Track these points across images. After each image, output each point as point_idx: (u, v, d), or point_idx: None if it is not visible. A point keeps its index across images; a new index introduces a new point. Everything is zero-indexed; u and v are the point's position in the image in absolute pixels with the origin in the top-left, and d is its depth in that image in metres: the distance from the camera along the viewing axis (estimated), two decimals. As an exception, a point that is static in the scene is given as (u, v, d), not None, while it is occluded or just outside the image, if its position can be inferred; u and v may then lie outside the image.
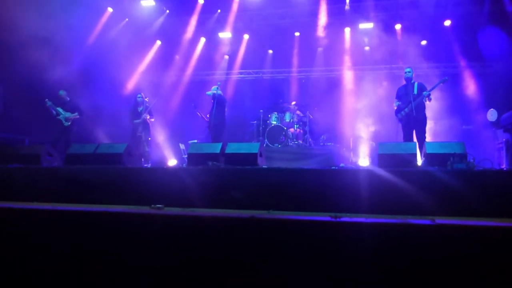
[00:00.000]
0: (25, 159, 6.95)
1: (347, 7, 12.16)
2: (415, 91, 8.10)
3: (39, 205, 4.48)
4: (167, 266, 3.50)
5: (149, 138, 10.12)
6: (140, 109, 9.94)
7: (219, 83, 9.88)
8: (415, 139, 8.03)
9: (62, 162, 7.41)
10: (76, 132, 9.69)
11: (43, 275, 3.77)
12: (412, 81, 8.30)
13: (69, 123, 9.46)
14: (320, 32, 12.61)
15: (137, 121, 9.85)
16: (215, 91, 9.80)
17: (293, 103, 12.36)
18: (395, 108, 8.39)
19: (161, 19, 12.95)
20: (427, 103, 8.12)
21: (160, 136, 11.94)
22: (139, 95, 10.09)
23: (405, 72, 8.40)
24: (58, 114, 9.40)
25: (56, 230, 3.87)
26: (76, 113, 9.56)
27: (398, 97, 8.39)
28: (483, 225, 3.03)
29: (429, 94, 7.97)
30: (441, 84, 8.21)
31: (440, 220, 3.17)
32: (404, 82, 8.48)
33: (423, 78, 11.42)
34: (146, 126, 9.97)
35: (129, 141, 8.56)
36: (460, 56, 12.08)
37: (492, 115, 10.19)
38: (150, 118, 10.05)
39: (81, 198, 5.15)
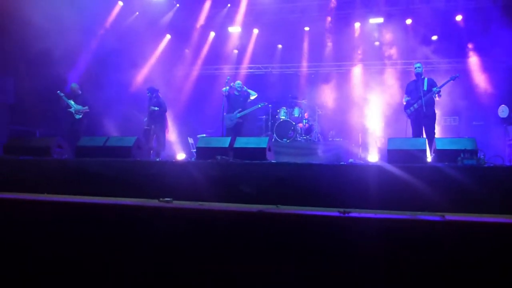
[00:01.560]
0: (35, 151, 7.02)
1: None
2: (425, 87, 8.02)
3: (49, 197, 4.51)
4: (175, 259, 3.51)
5: (166, 131, 10.11)
6: (150, 104, 9.99)
7: (228, 77, 9.85)
8: (424, 135, 7.97)
9: (72, 154, 7.46)
10: (87, 125, 9.74)
11: (50, 266, 3.81)
12: (422, 77, 8.22)
13: (80, 116, 9.51)
14: (330, 26, 12.55)
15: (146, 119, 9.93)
16: (242, 87, 9.76)
17: (304, 101, 12.33)
18: (404, 103, 8.33)
19: (171, 13, 12.95)
20: (436, 99, 8.06)
21: (169, 130, 11.98)
22: (147, 92, 10.13)
23: (415, 68, 8.31)
24: (69, 106, 9.45)
25: (65, 221, 3.90)
26: (86, 107, 9.61)
27: (408, 92, 8.32)
28: (493, 221, 3.01)
29: (439, 91, 7.91)
30: (452, 81, 8.13)
31: (450, 217, 3.14)
32: (414, 78, 8.41)
33: (434, 73, 11.36)
34: (155, 119, 9.95)
35: (140, 135, 8.63)
36: (471, 51, 11.94)
37: (503, 111, 10.10)
38: (155, 109, 9.95)
39: (90, 190, 5.18)
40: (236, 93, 9.71)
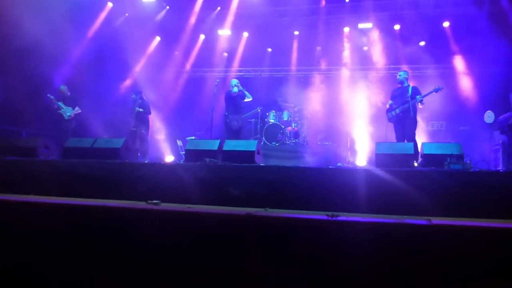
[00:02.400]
0: (22, 151, 6.93)
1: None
2: (409, 94, 8.22)
3: (35, 198, 4.47)
4: (163, 262, 3.50)
5: (143, 132, 10.02)
6: (134, 106, 9.98)
7: (218, 80, 9.84)
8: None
9: (59, 155, 7.40)
10: (75, 127, 9.67)
11: (39, 268, 3.77)
12: (406, 84, 8.44)
13: (71, 116, 9.45)
14: (319, 31, 12.62)
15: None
16: (241, 88, 9.60)
17: (293, 105, 12.38)
18: (387, 107, 8.51)
19: (161, 15, 12.92)
20: (419, 106, 8.24)
21: (157, 132, 11.94)
22: (132, 94, 10.12)
23: (398, 75, 8.57)
24: (59, 108, 9.39)
25: (51, 223, 3.86)
26: (77, 108, 9.55)
27: (392, 97, 8.52)
28: (479, 225, 3.05)
29: (421, 100, 8.10)
30: (435, 92, 8.30)
31: (436, 221, 3.18)
32: (399, 85, 8.59)
33: (421, 78, 11.49)
34: (140, 121, 9.94)
35: (127, 136, 8.60)
36: (458, 57, 12.10)
37: (489, 116, 10.23)
38: (140, 110, 9.93)
39: (78, 192, 5.14)
40: (239, 94, 9.61)
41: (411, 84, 8.61)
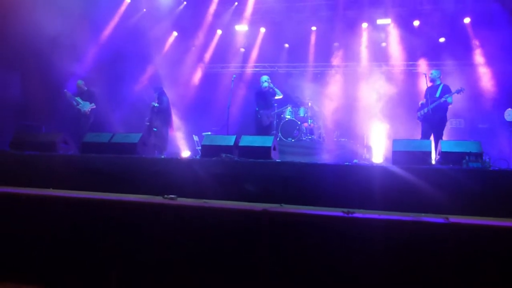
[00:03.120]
0: (41, 146, 7.05)
1: None
2: (438, 94, 8.19)
3: (54, 192, 4.54)
4: (179, 256, 3.53)
5: (169, 127, 10.05)
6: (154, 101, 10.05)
7: (234, 76, 9.83)
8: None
9: (77, 150, 7.50)
10: (93, 122, 9.78)
11: (55, 260, 3.83)
12: (438, 83, 8.37)
13: (88, 111, 9.56)
14: (337, 26, 12.53)
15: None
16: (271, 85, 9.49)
17: (308, 98, 12.33)
18: (419, 106, 8.59)
19: (178, 10, 12.96)
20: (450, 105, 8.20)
21: (174, 128, 12.00)
22: (154, 90, 10.20)
23: (430, 73, 8.57)
24: (77, 104, 9.52)
25: (70, 217, 3.92)
26: (93, 104, 9.65)
27: (425, 96, 8.46)
28: (497, 225, 3.00)
29: (445, 100, 8.10)
30: (457, 94, 8.19)
31: (454, 219, 3.14)
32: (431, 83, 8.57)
33: (441, 75, 11.31)
34: (156, 115, 10.00)
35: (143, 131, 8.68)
36: (479, 53, 11.88)
37: (509, 114, 10.03)
38: (155, 105, 9.97)
39: (95, 186, 5.21)
40: (269, 90, 9.55)
41: (443, 82, 8.52)
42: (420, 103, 8.62)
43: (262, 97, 9.44)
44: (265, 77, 9.62)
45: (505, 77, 11.11)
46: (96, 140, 7.09)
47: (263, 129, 9.37)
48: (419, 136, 8.64)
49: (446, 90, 8.23)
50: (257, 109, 9.42)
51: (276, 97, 9.76)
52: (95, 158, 6.24)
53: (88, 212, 3.91)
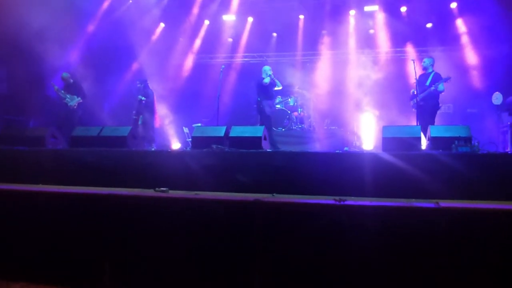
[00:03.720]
0: (30, 141, 6.97)
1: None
2: (428, 82, 8.23)
3: (44, 187, 4.51)
4: (172, 248, 3.53)
5: (147, 118, 10.03)
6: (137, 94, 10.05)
7: (223, 66, 9.77)
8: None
9: (66, 144, 7.43)
10: (81, 115, 9.68)
11: (47, 255, 3.82)
12: (430, 71, 8.40)
13: (74, 105, 9.45)
14: (325, 14, 12.50)
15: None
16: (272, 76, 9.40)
17: (297, 87, 12.32)
18: (411, 94, 8.64)
19: (164, 2, 12.81)
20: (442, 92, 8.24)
21: (164, 119, 11.94)
22: (137, 82, 10.17)
23: (423, 62, 8.60)
24: (64, 97, 9.40)
25: (60, 212, 3.90)
26: (79, 98, 9.52)
27: (416, 84, 8.43)
28: (487, 207, 3.04)
29: (434, 88, 8.14)
30: (444, 82, 8.22)
31: (444, 203, 3.17)
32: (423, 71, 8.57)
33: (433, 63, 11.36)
34: (143, 109, 9.99)
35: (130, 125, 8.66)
36: (466, 38, 11.93)
37: (497, 98, 10.12)
38: (142, 98, 9.97)
39: (86, 180, 5.18)
40: (271, 81, 9.45)
41: (435, 70, 8.53)
42: (411, 91, 8.63)
43: (264, 87, 9.35)
44: (267, 68, 9.54)
45: (492, 61, 11.18)
46: (85, 134, 7.03)
47: (266, 118, 9.28)
48: (409, 123, 8.67)
49: (437, 78, 8.25)
50: (258, 99, 9.30)
51: (275, 88, 9.68)
52: (84, 152, 6.18)
53: (79, 207, 3.89)
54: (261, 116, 9.37)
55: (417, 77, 8.39)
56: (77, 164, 5.90)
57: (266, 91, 9.34)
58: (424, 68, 8.49)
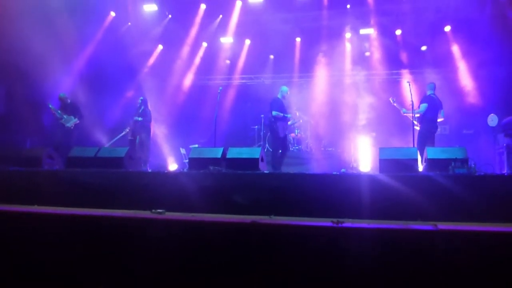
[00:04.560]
0: (26, 162, 6.96)
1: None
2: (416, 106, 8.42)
3: (40, 209, 4.48)
4: (168, 271, 3.49)
5: (143, 138, 10.03)
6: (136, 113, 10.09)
7: (220, 88, 9.82)
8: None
9: (63, 165, 7.41)
10: (78, 135, 9.66)
11: (43, 276, 3.77)
12: (427, 94, 8.51)
13: (71, 126, 9.43)
14: (321, 37, 12.66)
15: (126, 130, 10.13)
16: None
17: (294, 109, 12.37)
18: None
19: (163, 24, 12.97)
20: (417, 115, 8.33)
21: (161, 141, 11.95)
22: (139, 101, 10.19)
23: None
24: (60, 117, 9.39)
25: (56, 233, 3.86)
26: (76, 119, 9.51)
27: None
28: (485, 230, 3.03)
29: (419, 112, 8.26)
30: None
31: (442, 226, 3.16)
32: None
33: (424, 82, 11.46)
34: (139, 129, 10.00)
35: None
36: (461, 61, 12.09)
37: (492, 119, 10.19)
38: (139, 119, 10.00)
39: (82, 201, 5.14)
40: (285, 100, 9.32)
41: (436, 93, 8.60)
42: (392, 99, 8.81)
43: (279, 107, 9.01)
44: (285, 88, 9.33)
45: (487, 82, 11.30)
46: (82, 154, 7.01)
47: (279, 140, 8.96)
48: (406, 144, 8.69)
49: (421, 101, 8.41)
50: (273, 119, 8.94)
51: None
52: (81, 173, 6.16)
53: (75, 228, 3.85)
54: (274, 138, 9.07)
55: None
56: (73, 185, 5.87)
57: (280, 111, 8.97)
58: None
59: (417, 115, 8.25)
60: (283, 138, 9.01)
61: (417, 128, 8.37)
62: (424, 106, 8.19)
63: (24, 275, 3.81)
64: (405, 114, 8.51)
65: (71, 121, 9.42)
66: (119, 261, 3.63)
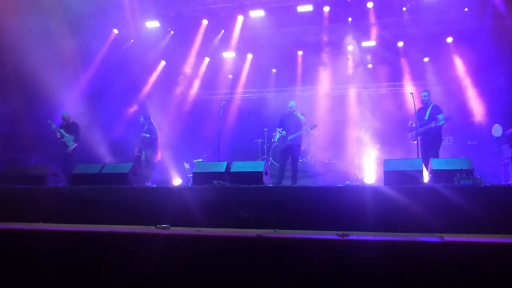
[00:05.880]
0: (30, 179, 6.97)
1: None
2: (427, 116, 8.18)
3: (45, 226, 4.48)
4: (174, 286, 3.47)
5: (143, 157, 10.07)
6: (141, 131, 10.17)
7: (223, 102, 9.85)
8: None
9: (67, 182, 7.42)
10: (81, 152, 9.68)
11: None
12: (428, 104, 8.35)
13: (72, 146, 9.43)
14: (323, 50, 12.74)
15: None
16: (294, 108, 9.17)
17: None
18: (408, 126, 8.51)
19: (165, 40, 13.09)
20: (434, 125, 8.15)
21: (165, 156, 11.98)
22: (140, 118, 10.29)
23: (422, 96, 8.48)
24: (62, 136, 9.42)
25: (62, 251, 3.85)
26: (75, 144, 9.48)
27: (416, 117, 8.31)
28: (492, 242, 3.00)
29: (436, 124, 8.07)
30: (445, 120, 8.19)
31: (449, 238, 3.14)
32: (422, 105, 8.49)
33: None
34: (146, 145, 10.06)
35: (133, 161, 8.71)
36: (463, 72, 12.10)
37: (497, 130, 10.15)
38: (146, 135, 10.08)
39: (87, 218, 5.15)
40: (289, 114, 9.23)
41: (433, 102, 8.49)
42: (409, 123, 8.50)
43: (292, 122, 9.07)
44: (293, 103, 9.33)
45: (490, 93, 11.31)
46: (86, 171, 7.02)
47: (278, 152, 9.15)
48: (410, 155, 8.60)
49: (436, 110, 8.19)
50: (285, 132, 8.97)
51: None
52: (85, 189, 6.17)
53: (80, 245, 3.84)
54: (285, 150, 8.96)
55: (416, 111, 8.36)
56: (78, 201, 5.87)
57: (291, 125, 9.06)
58: (424, 102, 8.41)
59: (442, 123, 8.08)
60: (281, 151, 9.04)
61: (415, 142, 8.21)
62: (443, 115, 8.14)
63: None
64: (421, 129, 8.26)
65: (71, 146, 9.41)
66: (125, 277, 3.61)
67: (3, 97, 10.09)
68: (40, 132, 10.14)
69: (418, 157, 7.86)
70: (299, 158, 9.98)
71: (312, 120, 12.68)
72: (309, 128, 9.69)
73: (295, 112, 9.18)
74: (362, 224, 4.46)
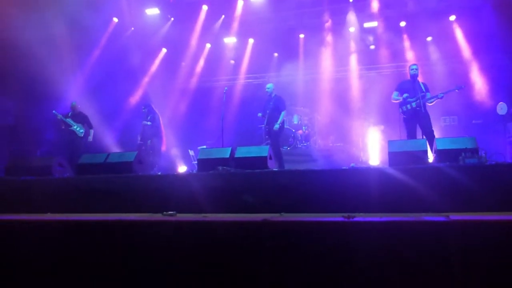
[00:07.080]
0: (37, 171, 7.02)
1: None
2: (423, 88, 7.99)
3: (52, 216, 4.51)
4: (181, 273, 3.50)
5: (155, 143, 10.09)
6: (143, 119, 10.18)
7: (226, 88, 9.82)
8: (422, 135, 7.85)
9: (73, 172, 7.46)
10: (85, 142, 9.73)
11: (57, 285, 3.79)
12: (417, 78, 8.16)
13: (82, 134, 9.47)
14: (325, 32, 12.64)
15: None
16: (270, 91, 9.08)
17: (302, 108, 12.35)
18: (400, 99, 8.09)
19: (166, 27, 13.02)
20: (431, 104, 8.04)
21: (169, 143, 12.01)
22: (142, 108, 10.30)
23: (411, 69, 8.18)
24: (69, 125, 9.44)
25: (70, 240, 3.89)
26: (90, 129, 9.55)
27: (402, 90, 8.10)
28: (498, 219, 3.00)
29: (443, 96, 7.87)
30: (457, 90, 8.02)
31: (454, 217, 3.14)
32: (408, 78, 8.30)
33: (430, 74, 11.40)
34: (148, 133, 10.08)
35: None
36: (467, 50, 11.98)
37: (501, 108, 10.10)
38: (147, 123, 10.10)
39: (94, 207, 5.18)
40: (267, 98, 9.22)
41: (420, 79, 8.33)
42: (400, 96, 8.08)
43: (267, 105, 9.12)
44: (271, 85, 9.31)
45: (494, 71, 11.20)
46: (92, 161, 7.05)
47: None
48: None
49: (427, 87, 8.06)
50: (284, 119, 9.00)
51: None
52: (91, 179, 6.20)
53: (87, 234, 3.87)
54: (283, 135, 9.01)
55: (401, 83, 8.16)
56: (84, 191, 5.91)
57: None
58: (414, 76, 8.05)
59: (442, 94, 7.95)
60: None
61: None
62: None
63: (39, 284, 3.84)
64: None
65: (83, 130, 9.43)
66: (133, 264, 3.65)
67: (7, 90, 10.12)
68: (45, 124, 10.18)
69: (422, 137, 7.79)
70: (282, 145, 9.97)
71: (315, 103, 12.69)
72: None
73: (272, 95, 9.08)
74: (368, 205, 4.47)
